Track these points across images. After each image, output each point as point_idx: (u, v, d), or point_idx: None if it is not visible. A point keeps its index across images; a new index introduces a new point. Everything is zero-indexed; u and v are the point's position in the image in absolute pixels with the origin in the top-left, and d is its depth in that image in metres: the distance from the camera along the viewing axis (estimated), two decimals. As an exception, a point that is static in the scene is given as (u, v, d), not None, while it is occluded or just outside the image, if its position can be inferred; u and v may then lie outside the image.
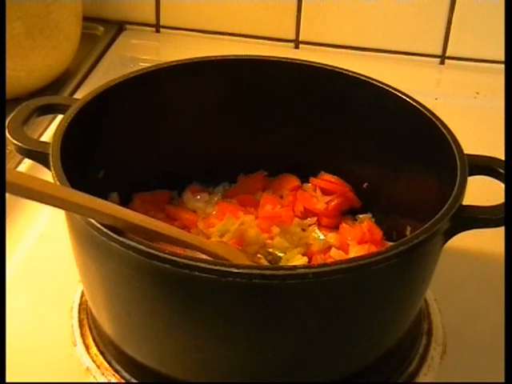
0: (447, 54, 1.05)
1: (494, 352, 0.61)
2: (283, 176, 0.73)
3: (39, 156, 0.56)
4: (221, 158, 0.71)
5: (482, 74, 1.03)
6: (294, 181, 0.72)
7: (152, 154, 0.68)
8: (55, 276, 0.68)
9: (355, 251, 0.65)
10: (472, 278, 0.70)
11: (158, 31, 1.11)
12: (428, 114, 0.61)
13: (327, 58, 0.69)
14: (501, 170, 0.58)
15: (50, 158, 0.54)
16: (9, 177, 0.45)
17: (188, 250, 0.55)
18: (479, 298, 0.68)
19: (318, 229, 0.69)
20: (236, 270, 0.47)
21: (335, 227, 0.70)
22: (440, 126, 0.60)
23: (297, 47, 1.08)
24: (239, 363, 0.54)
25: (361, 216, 0.70)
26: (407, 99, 0.63)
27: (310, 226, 0.69)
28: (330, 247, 0.66)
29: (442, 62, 1.06)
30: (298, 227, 0.68)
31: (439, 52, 1.05)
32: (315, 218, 0.70)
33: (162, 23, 1.10)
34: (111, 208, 0.50)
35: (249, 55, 0.69)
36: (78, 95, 0.90)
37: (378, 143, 0.67)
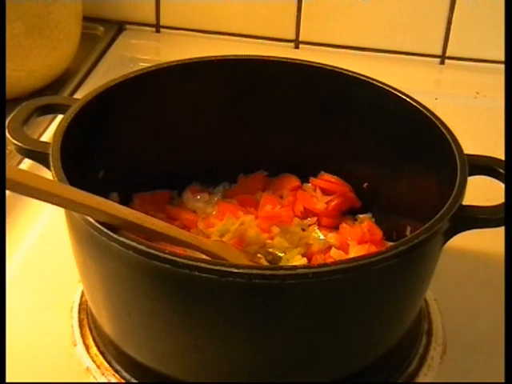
0: (447, 54, 1.05)
1: (494, 352, 0.61)
2: (283, 176, 0.73)
3: (39, 156, 0.56)
4: (221, 158, 0.71)
5: (481, 73, 1.03)
6: (293, 181, 0.72)
7: (152, 154, 0.68)
8: (55, 276, 0.68)
9: (355, 251, 0.65)
10: (472, 278, 0.70)
11: (157, 31, 1.11)
12: (428, 114, 0.61)
13: (327, 58, 0.69)
14: (501, 170, 0.58)
15: (50, 158, 0.54)
16: (8, 173, 0.45)
17: (188, 249, 0.55)
18: (479, 297, 0.68)
19: (318, 229, 0.69)
20: (236, 270, 0.47)
21: (335, 227, 0.70)
22: (440, 125, 0.60)
23: (297, 47, 1.08)
24: (239, 363, 0.54)
25: (361, 216, 0.70)
26: (407, 99, 0.63)
27: (310, 226, 0.69)
28: (330, 247, 0.66)
29: (442, 62, 1.06)
30: (298, 227, 0.68)
31: (439, 52, 1.05)
32: (315, 218, 0.70)
33: (161, 23, 1.10)
34: (110, 206, 0.50)
35: (249, 55, 0.69)
36: (78, 95, 0.90)
37: (378, 143, 0.67)
